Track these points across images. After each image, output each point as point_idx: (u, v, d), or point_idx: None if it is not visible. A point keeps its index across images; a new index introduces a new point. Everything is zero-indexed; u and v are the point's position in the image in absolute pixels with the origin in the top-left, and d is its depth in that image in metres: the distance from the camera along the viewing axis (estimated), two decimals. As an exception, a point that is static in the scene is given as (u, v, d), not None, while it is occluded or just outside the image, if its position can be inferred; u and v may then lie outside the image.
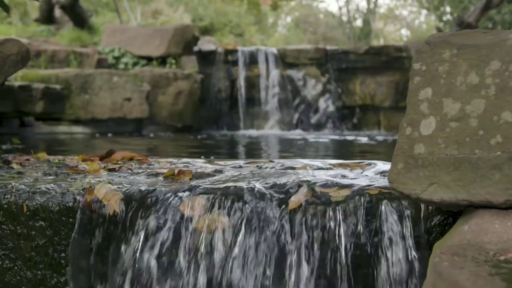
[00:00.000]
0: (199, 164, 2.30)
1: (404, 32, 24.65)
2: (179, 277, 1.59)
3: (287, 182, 1.70)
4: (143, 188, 1.72)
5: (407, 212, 1.55)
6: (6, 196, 1.79)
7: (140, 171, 2.10)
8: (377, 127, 10.56)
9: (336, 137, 8.00)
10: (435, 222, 1.54)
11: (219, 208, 1.62)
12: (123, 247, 1.66)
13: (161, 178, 1.94)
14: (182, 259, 1.60)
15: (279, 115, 10.43)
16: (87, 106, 9.03)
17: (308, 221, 1.57)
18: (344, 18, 23.64)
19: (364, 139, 7.33)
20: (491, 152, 1.32)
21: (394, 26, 24.67)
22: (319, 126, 10.37)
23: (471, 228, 1.29)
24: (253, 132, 9.96)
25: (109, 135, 8.42)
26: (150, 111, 9.34)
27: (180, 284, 1.59)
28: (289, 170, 2.06)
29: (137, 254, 1.63)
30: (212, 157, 3.46)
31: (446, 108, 1.37)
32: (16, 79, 8.52)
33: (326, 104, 10.45)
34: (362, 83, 10.53)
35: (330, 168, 2.11)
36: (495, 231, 1.26)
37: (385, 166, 2.09)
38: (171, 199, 1.66)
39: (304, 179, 1.73)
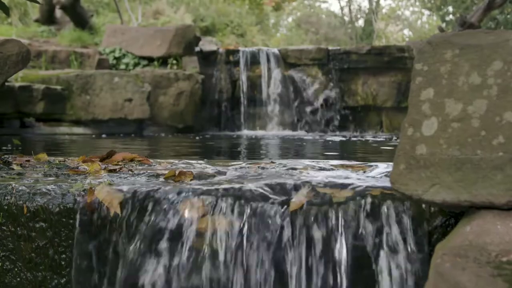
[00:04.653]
0: (200, 165, 2.29)
1: (406, 32, 24.67)
2: (180, 278, 1.58)
3: (289, 183, 1.70)
4: (144, 189, 1.71)
5: (409, 213, 1.54)
6: (6, 197, 1.78)
7: (141, 172, 2.09)
8: (379, 128, 10.55)
9: (338, 138, 7.99)
10: (437, 223, 1.54)
11: (220, 209, 1.62)
12: (124, 249, 1.66)
13: (162, 179, 1.94)
14: (183, 261, 1.59)
15: (280, 116, 10.42)
16: (88, 106, 9.03)
17: (309, 222, 1.57)
18: (346, 18, 23.66)
19: (366, 140, 7.32)
20: (493, 153, 1.31)
21: (396, 26, 24.67)
22: (320, 127, 10.36)
23: (473, 229, 1.28)
24: (254, 133, 9.95)
25: (110, 135, 8.42)
26: (151, 111, 9.34)
27: (182, 285, 1.58)
28: (291, 171, 2.06)
29: (138, 256, 1.62)
30: (213, 158, 3.45)
31: (448, 109, 1.37)
32: (17, 80, 8.53)
33: (327, 105, 10.44)
34: (364, 83, 10.52)
35: (332, 169, 2.11)
36: (497, 232, 1.25)
37: (386, 167, 2.09)
38: (172, 200, 1.65)
39: (306, 180, 1.73)
